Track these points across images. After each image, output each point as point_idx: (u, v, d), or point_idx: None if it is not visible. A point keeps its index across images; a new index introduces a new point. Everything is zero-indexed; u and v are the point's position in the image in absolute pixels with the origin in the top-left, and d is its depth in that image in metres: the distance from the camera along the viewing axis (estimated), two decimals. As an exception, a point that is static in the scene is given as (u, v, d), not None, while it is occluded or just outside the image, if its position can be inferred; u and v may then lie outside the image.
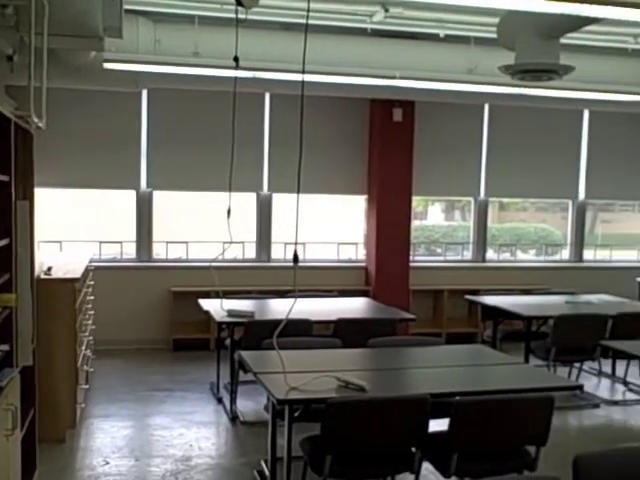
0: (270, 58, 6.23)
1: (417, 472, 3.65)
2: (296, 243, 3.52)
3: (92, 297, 6.53)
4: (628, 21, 4.41)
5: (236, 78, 5.03)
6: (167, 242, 8.31)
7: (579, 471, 2.58)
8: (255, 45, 6.15)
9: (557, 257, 9.57)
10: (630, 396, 6.67)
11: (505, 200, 9.70)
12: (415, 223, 9.37)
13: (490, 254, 9.32)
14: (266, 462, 4.42)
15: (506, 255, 9.41)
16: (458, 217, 9.61)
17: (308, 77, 6.31)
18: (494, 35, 5.34)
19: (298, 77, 3.50)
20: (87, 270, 6.13)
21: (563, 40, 5.06)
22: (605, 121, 9.09)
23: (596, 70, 7.35)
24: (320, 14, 6.15)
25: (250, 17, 5.35)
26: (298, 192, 3.33)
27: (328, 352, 4.48)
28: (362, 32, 6.79)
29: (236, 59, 4.68)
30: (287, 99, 7.02)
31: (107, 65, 5.85)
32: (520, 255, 9.53)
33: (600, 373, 7.27)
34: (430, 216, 9.81)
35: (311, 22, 6.26)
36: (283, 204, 8.38)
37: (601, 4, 3.10)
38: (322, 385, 3.57)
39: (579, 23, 4.42)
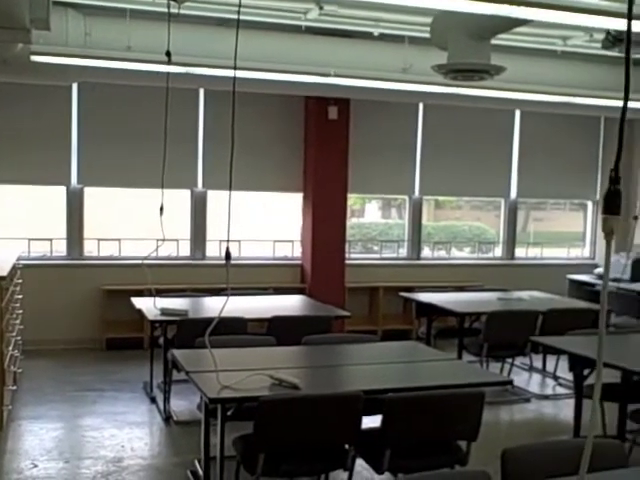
0: (204, 54, 6.17)
1: (350, 469, 3.67)
2: (228, 240, 3.48)
3: (20, 296, 6.37)
4: (557, 23, 4.49)
5: (168, 73, 4.95)
6: (99, 239, 8.15)
7: (507, 464, 2.63)
8: (188, 40, 6.08)
9: (490, 255, 9.73)
10: (560, 390, 6.82)
11: (440, 198, 9.82)
12: (352, 221, 9.43)
13: (426, 252, 9.42)
14: (199, 462, 4.38)
15: (441, 253, 9.52)
16: (395, 215, 9.68)
17: (241, 73, 6.30)
18: (428, 35, 5.39)
19: (231, 73, 3.47)
20: (15, 268, 5.97)
21: (495, 41, 5.14)
22: (536, 121, 9.28)
23: (527, 71, 7.49)
24: (255, 10, 6.11)
25: (183, 12, 5.29)
26: (230, 189, 3.30)
27: (262, 350, 4.46)
28: (297, 29, 6.78)
29: (168, 54, 4.61)
30: (221, 95, 6.95)
31: (35, 58, 5.70)
32: (455, 253, 9.66)
33: (531, 368, 7.43)
34: (367, 214, 9.87)
35: (245, 18, 6.24)
36: (218, 201, 8.31)
37: (529, 6, 3.15)
38: (255, 383, 3.54)
39: (509, 24, 4.50)
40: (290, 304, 6.48)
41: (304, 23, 6.54)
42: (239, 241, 8.41)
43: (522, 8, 3.20)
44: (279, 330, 5.23)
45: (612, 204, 1.48)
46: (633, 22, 3.92)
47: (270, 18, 6.45)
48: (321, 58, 6.85)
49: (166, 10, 4.42)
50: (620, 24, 4.15)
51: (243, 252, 8.53)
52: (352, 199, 9.33)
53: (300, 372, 3.96)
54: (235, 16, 3.23)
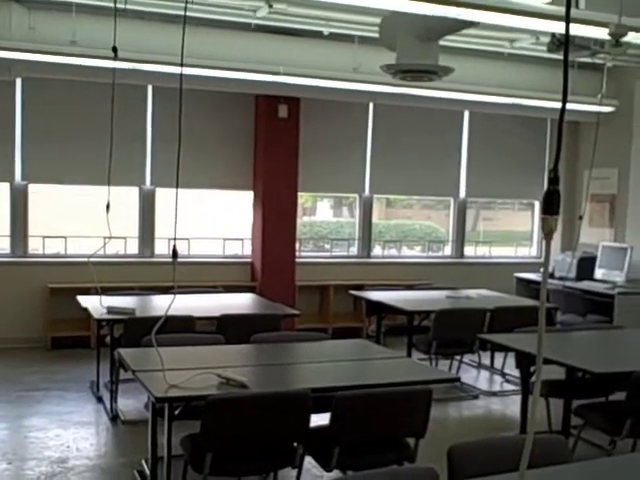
0: (151, 50, 6.12)
1: (299, 467, 3.67)
2: (175, 239, 3.44)
3: (-38, 295, 6.23)
4: (504, 26, 4.57)
5: (114, 69, 4.89)
6: (44, 237, 8.00)
7: (453, 461, 2.65)
8: (136, 36, 6.03)
9: (440, 253, 9.82)
10: (507, 387, 6.92)
11: (391, 197, 9.88)
12: (304, 219, 9.43)
13: (377, 250, 9.47)
14: (147, 462, 4.32)
15: (392, 251, 9.58)
16: (346, 213, 9.71)
17: (189, 70, 6.27)
18: (377, 35, 5.42)
19: (179, 70, 3.44)
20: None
21: (443, 42, 5.19)
22: (484, 122, 9.40)
23: (475, 72, 7.61)
24: (204, 7, 6.08)
25: (130, 7, 5.25)
26: (177, 186, 3.28)
27: (210, 349, 4.43)
28: (246, 27, 6.76)
29: (114, 49, 4.55)
30: (170, 92, 6.88)
31: (-23, 52, 5.58)
32: (406, 251, 9.73)
33: (479, 365, 7.52)
34: (319, 212, 9.88)
35: (194, 15, 6.20)
36: (167, 199, 8.22)
37: (476, 8, 3.19)
38: (203, 382, 3.51)
39: (457, 26, 4.54)
40: (239, 302, 6.45)
41: (254, 21, 6.52)
42: (188, 239, 8.34)
43: (469, 10, 3.24)
44: (228, 328, 5.21)
45: (551, 204, 1.50)
46: (574, 26, 4.00)
47: (220, 15, 6.43)
48: (271, 56, 6.85)
49: (112, 5, 4.35)
50: (564, 28, 4.23)
51: (193, 250, 8.47)
52: (303, 197, 9.34)
53: (248, 371, 3.94)
54: (182, 12, 3.20)
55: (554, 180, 1.47)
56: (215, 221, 8.80)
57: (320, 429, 3.61)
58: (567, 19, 1.39)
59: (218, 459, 3.36)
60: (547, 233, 1.46)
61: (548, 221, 1.47)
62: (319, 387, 3.63)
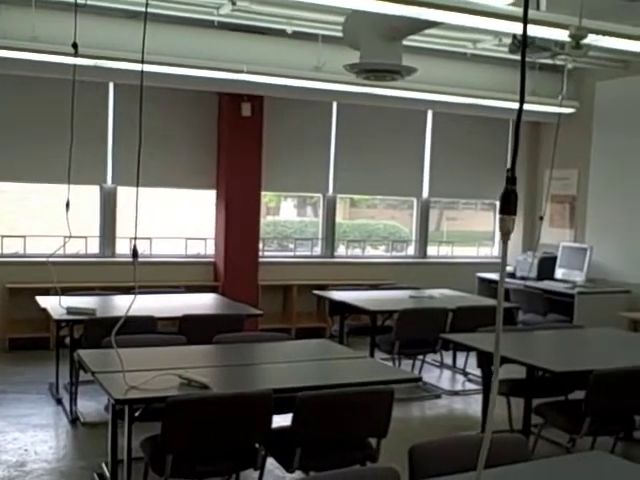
0: (113, 46, 6.04)
1: (261, 468, 3.65)
2: (135, 238, 3.40)
3: None
4: (467, 27, 4.60)
5: (75, 66, 4.81)
6: (2, 236, 7.85)
7: (414, 460, 2.65)
8: (97, 32, 5.95)
9: (404, 253, 9.85)
10: (469, 386, 6.97)
11: (356, 197, 9.90)
12: (268, 219, 9.40)
13: (341, 250, 9.48)
14: (107, 464, 4.27)
15: (356, 251, 9.59)
16: (310, 213, 9.69)
17: (151, 68, 6.21)
18: (341, 34, 5.41)
19: (140, 67, 3.39)
20: None
21: (407, 42, 5.20)
22: (448, 122, 9.45)
23: (438, 73, 7.65)
24: (166, 4, 6.02)
25: (92, 3, 5.17)
26: (137, 185, 3.23)
27: (172, 349, 4.39)
28: (210, 24, 6.71)
29: (75, 46, 4.48)
30: (132, 89, 6.80)
31: None
32: (370, 251, 9.74)
33: (442, 365, 7.56)
34: (283, 212, 9.85)
35: (156, 11, 6.15)
36: (129, 198, 8.13)
37: (438, 8, 3.20)
38: (163, 383, 3.48)
39: (420, 26, 4.56)
40: (202, 302, 6.40)
41: (217, 18, 6.47)
42: (150, 239, 8.26)
43: (431, 10, 3.25)
44: (190, 329, 5.17)
45: (508, 205, 1.51)
46: (535, 27, 4.04)
47: (182, 12, 6.37)
48: (234, 54, 6.81)
49: (73, 0, 4.28)
50: (528, 29, 4.27)
51: (155, 250, 8.39)
52: (267, 197, 9.31)
53: (210, 371, 3.91)
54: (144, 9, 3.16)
55: (511, 180, 1.48)
56: (178, 220, 8.72)
57: (282, 430, 3.59)
58: (525, 20, 1.40)
59: (179, 461, 3.33)
60: (505, 233, 1.46)
61: (506, 221, 1.47)
62: (281, 388, 3.62)
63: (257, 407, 3.44)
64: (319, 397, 3.52)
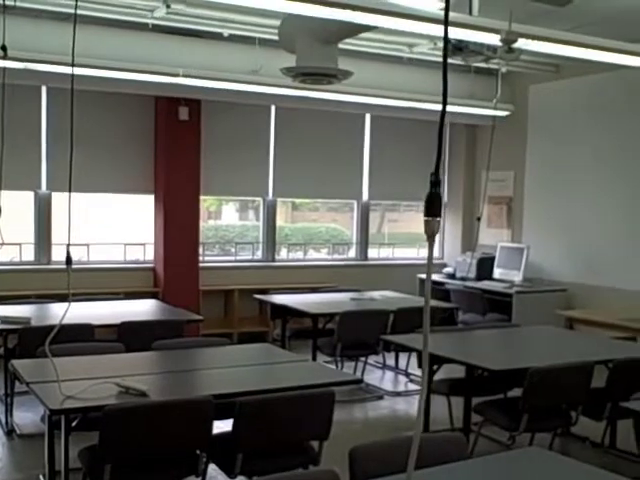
0: (44, 49, 5.91)
1: (203, 475, 3.62)
2: (69, 244, 3.34)
3: None
4: (403, 31, 4.63)
5: (4, 68, 4.69)
6: None
7: (354, 462, 2.66)
8: (28, 35, 5.82)
9: (345, 256, 9.89)
10: (412, 387, 7.02)
11: (298, 200, 9.90)
12: (209, 223, 9.33)
13: (283, 253, 9.47)
14: (44, 476, 4.17)
15: (298, 254, 9.59)
16: (252, 217, 9.65)
17: (84, 71, 6.11)
18: (277, 37, 5.41)
19: (75, 70, 3.34)
20: None
21: (343, 46, 5.24)
22: (386, 125, 9.53)
23: (375, 76, 7.70)
24: (98, 6, 5.92)
25: (21, 4, 5.05)
26: (70, 190, 3.18)
27: (109, 357, 4.31)
28: (144, 27, 6.63)
29: (4, 48, 4.37)
30: (65, 93, 6.66)
31: None
32: (312, 254, 9.75)
33: (384, 366, 7.61)
34: (224, 216, 9.79)
35: (88, 14, 6.04)
36: (65, 203, 7.96)
37: (371, 12, 3.22)
38: (101, 392, 3.42)
39: (355, 30, 4.59)
40: (141, 309, 6.30)
41: (151, 21, 6.39)
42: (87, 245, 8.12)
43: (364, 14, 3.27)
44: (128, 336, 5.09)
45: (433, 207, 1.53)
46: (467, 32, 4.09)
47: (116, 15, 6.28)
48: (170, 58, 6.75)
49: (1, 1, 4.18)
50: (459, 33, 4.33)
51: (93, 256, 8.25)
52: (208, 201, 9.25)
53: (149, 379, 3.85)
54: (78, 11, 3.10)
55: (435, 183, 1.50)
56: (116, 226, 8.59)
57: (223, 435, 3.57)
58: (445, 23, 1.41)
59: (118, 470, 3.27)
60: (430, 235, 1.48)
61: (430, 223, 1.49)
62: (221, 393, 3.58)
63: (197, 413, 3.41)
64: (259, 402, 3.50)
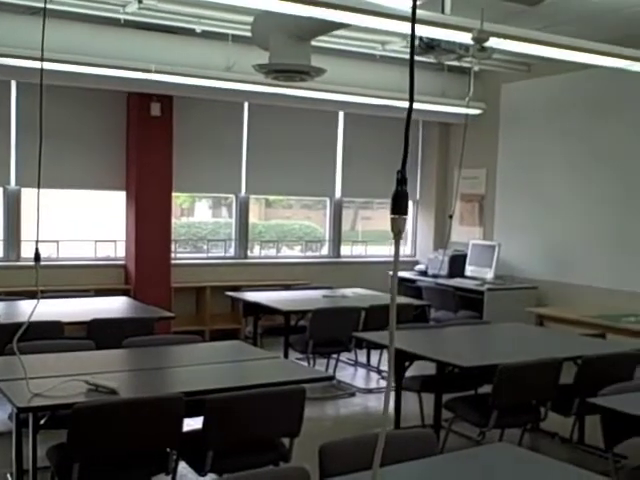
0: (14, 43, 5.85)
1: (173, 473, 3.60)
2: (38, 240, 3.31)
3: None
4: (376, 29, 4.64)
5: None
6: None
7: (324, 459, 2.67)
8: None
9: (318, 253, 9.89)
10: (383, 383, 7.04)
11: (271, 198, 9.88)
12: (182, 220, 9.29)
13: (257, 250, 9.45)
14: (12, 475, 4.13)
15: (272, 251, 9.57)
16: (225, 214, 9.61)
17: (55, 66, 6.05)
18: (250, 34, 5.40)
19: (45, 65, 3.30)
20: None
21: (316, 43, 5.23)
22: (359, 123, 9.54)
23: (348, 74, 7.71)
24: (70, 0, 5.87)
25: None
26: (39, 187, 3.17)
27: (79, 355, 4.27)
28: (116, 22, 6.58)
29: (-28, 42, 4.32)
30: (35, 88, 6.59)
31: None
32: (286, 251, 9.74)
33: (356, 363, 7.63)
34: (197, 212, 9.75)
35: (60, 8, 5.98)
36: (35, 199, 7.86)
37: (342, 10, 3.22)
38: (70, 390, 3.39)
39: (328, 27, 4.58)
40: (111, 306, 6.25)
41: (123, 16, 6.34)
42: (58, 241, 8.05)
43: (335, 11, 3.27)
44: (99, 333, 5.05)
45: (399, 205, 1.53)
46: (439, 30, 4.11)
47: (87, 10, 6.22)
48: (142, 53, 6.70)
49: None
50: (431, 32, 4.35)
51: (63, 253, 8.17)
52: (181, 197, 9.21)
53: (119, 376, 3.83)
54: (48, 5, 3.07)
55: (402, 181, 1.50)
56: (87, 222, 8.51)
57: (193, 433, 3.55)
58: (413, 20, 1.42)
59: (87, 469, 3.25)
60: (396, 233, 1.49)
61: (397, 221, 1.49)
62: (192, 391, 3.57)
63: (167, 411, 3.39)
64: (229, 399, 3.49)
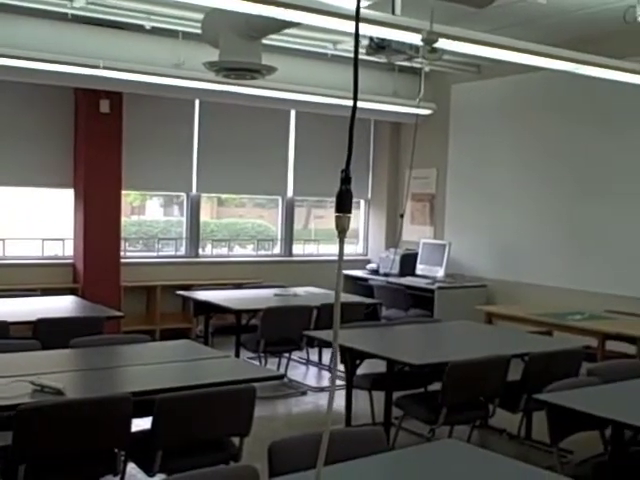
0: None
1: (122, 473, 3.56)
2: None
3: None
4: (328, 28, 4.65)
5: None
6: None
7: (273, 457, 2.66)
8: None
9: (270, 252, 9.87)
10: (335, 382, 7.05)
11: (224, 196, 9.83)
12: (133, 218, 9.19)
13: (209, 249, 9.39)
14: (-45, 479, 4.04)
15: (224, 250, 9.52)
16: (177, 212, 9.53)
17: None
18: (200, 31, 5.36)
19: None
20: None
21: (268, 42, 5.22)
22: (311, 121, 9.54)
23: (299, 72, 7.72)
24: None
25: None
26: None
27: (24, 355, 4.19)
28: (63, 17, 6.47)
29: None
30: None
31: None
32: (238, 250, 9.70)
33: (308, 362, 7.64)
34: (148, 211, 9.65)
35: (6, 1, 5.86)
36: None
37: (291, 8, 3.22)
38: (14, 391, 3.32)
39: (278, 26, 4.58)
40: (59, 306, 6.14)
41: (70, 11, 6.24)
42: (3, 240, 7.89)
43: (284, 10, 3.26)
44: (45, 333, 4.97)
45: (343, 204, 1.54)
46: (389, 31, 4.13)
47: (33, 4, 6.10)
48: (90, 49, 6.61)
49: None
50: (381, 32, 4.37)
51: (8, 251, 8.01)
52: (132, 196, 9.10)
53: (66, 376, 3.77)
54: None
55: (346, 180, 1.51)
56: (34, 221, 8.36)
57: (142, 433, 3.52)
58: (357, 19, 1.43)
59: (33, 471, 3.19)
60: (340, 231, 1.49)
61: (341, 219, 1.50)
62: (140, 390, 3.53)
63: (115, 411, 3.35)
64: (178, 399, 3.47)
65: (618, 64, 5.44)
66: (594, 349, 5.70)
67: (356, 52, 1.42)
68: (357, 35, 1.39)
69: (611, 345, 5.81)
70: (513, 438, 5.37)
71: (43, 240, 8.31)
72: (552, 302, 7.27)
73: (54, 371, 3.82)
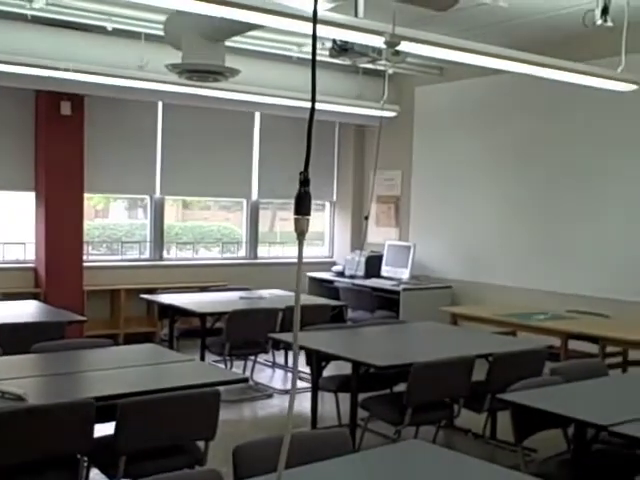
0: None
1: (85, 479, 3.52)
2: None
3: None
4: (292, 31, 4.64)
5: None
6: None
7: (238, 461, 2.65)
8: None
9: (235, 255, 9.83)
10: (301, 384, 7.03)
11: (189, 199, 9.77)
12: (96, 221, 9.09)
13: (174, 252, 9.33)
14: None
15: (189, 253, 9.46)
16: (141, 215, 9.45)
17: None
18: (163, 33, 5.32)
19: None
20: None
21: (232, 44, 5.20)
22: (275, 124, 9.52)
23: (264, 75, 7.70)
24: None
25: None
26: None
27: (-16, 361, 4.13)
28: (22, 18, 6.37)
29: None
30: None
31: None
32: (204, 253, 9.65)
33: (274, 364, 7.62)
34: (112, 214, 9.56)
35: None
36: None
37: (253, 11, 3.21)
38: (-27, 398, 3.27)
39: (242, 28, 4.56)
40: (19, 310, 6.04)
41: (30, 12, 6.15)
42: (-37, 245, 7.78)
43: (246, 12, 3.26)
44: (6, 338, 4.87)
45: (302, 206, 1.54)
46: (352, 33, 4.14)
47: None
48: (51, 51, 6.52)
49: None
50: (343, 34, 4.38)
51: (-32, 257, 7.90)
52: (95, 199, 9.01)
53: (27, 382, 3.71)
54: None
55: (304, 182, 1.51)
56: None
57: (105, 439, 3.48)
58: (314, 21, 1.42)
59: (-8, 479, 3.14)
60: (299, 233, 1.49)
61: (300, 221, 1.50)
62: (103, 395, 3.49)
63: (77, 417, 3.30)
64: (142, 403, 3.44)
65: (577, 67, 5.51)
66: (557, 349, 5.77)
67: (314, 54, 1.42)
68: (315, 37, 1.39)
69: (574, 345, 5.88)
70: (478, 438, 5.41)
71: (4, 244, 8.19)
72: (516, 302, 7.34)
73: (15, 377, 3.76)
